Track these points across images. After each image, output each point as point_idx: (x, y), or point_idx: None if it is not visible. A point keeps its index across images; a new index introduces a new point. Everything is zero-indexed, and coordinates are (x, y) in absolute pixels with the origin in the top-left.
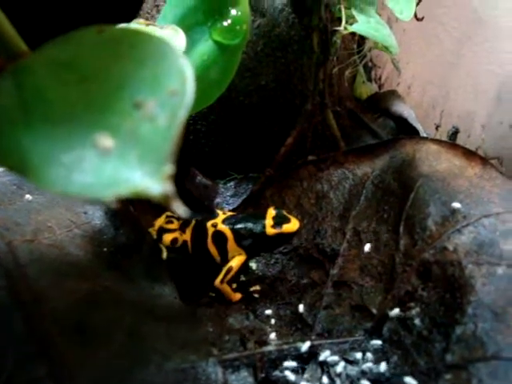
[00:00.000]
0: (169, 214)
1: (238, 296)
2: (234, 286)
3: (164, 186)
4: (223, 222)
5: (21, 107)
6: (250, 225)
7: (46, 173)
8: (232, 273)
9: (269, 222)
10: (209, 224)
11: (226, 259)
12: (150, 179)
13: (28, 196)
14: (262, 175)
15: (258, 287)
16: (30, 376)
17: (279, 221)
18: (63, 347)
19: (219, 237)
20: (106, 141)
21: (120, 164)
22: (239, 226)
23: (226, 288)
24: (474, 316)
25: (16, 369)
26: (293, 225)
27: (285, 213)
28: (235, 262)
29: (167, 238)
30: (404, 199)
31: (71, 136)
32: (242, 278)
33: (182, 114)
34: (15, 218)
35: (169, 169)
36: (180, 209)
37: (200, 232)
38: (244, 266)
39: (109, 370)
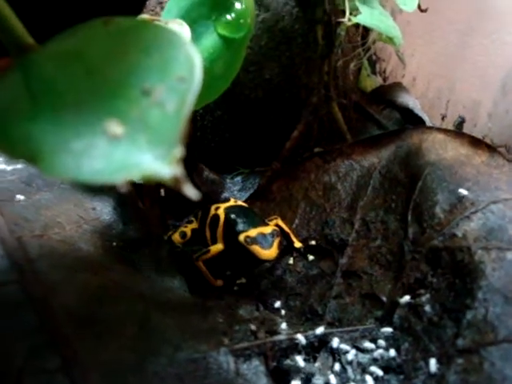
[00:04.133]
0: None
1: (218, 282)
2: (244, 280)
3: (174, 169)
4: (226, 208)
5: (29, 98)
6: (238, 221)
7: (57, 160)
8: (207, 255)
9: (252, 232)
10: (213, 207)
11: (215, 243)
12: (160, 162)
13: (36, 193)
14: (268, 169)
15: (243, 280)
16: (42, 368)
17: (259, 240)
18: (75, 340)
19: (215, 220)
20: (116, 127)
21: (130, 148)
22: (232, 216)
23: (202, 267)
24: (484, 301)
25: (28, 361)
26: (263, 252)
27: (277, 239)
28: (214, 247)
29: (175, 236)
30: (411, 188)
31: (80, 124)
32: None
33: (191, 100)
34: (25, 214)
35: (178, 152)
36: (190, 191)
37: (204, 214)
38: (227, 259)
39: (121, 362)
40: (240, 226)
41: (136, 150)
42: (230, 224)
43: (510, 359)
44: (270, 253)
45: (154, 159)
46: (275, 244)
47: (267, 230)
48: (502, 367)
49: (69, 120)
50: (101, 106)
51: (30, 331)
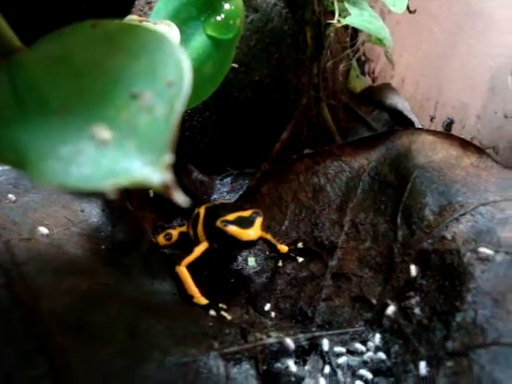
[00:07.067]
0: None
1: (202, 300)
2: (233, 280)
3: (164, 176)
4: (207, 206)
5: (16, 103)
6: (216, 212)
7: (44, 166)
8: (191, 257)
9: (229, 217)
10: (196, 208)
11: (198, 243)
12: (149, 169)
13: (24, 194)
14: (258, 170)
15: (224, 306)
16: (29, 374)
17: (238, 221)
18: (63, 345)
19: (196, 219)
20: (104, 132)
21: (118, 154)
22: (211, 210)
23: (185, 276)
24: (473, 303)
25: (16, 367)
26: (243, 233)
27: (258, 220)
28: (197, 248)
29: (160, 238)
30: (401, 190)
31: (68, 129)
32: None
33: (180, 105)
34: (12, 217)
35: (168, 158)
36: (180, 198)
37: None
38: (209, 259)
39: (110, 367)
40: (216, 216)
41: (124, 156)
42: (209, 216)
43: (499, 362)
44: (250, 232)
45: (143, 165)
46: (256, 224)
47: (247, 213)
48: (491, 370)
49: (56, 125)
50: (88, 110)
51: (18, 336)
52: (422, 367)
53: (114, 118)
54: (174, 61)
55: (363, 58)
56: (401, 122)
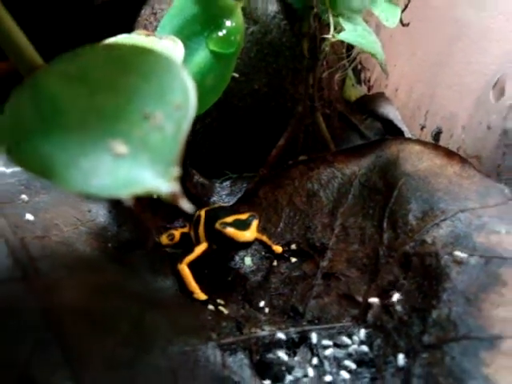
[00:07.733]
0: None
1: (201, 296)
2: (230, 279)
3: (172, 186)
4: (207, 209)
5: (38, 117)
6: (215, 215)
7: (67, 176)
8: (192, 256)
9: (228, 219)
10: (198, 210)
11: (199, 243)
12: (160, 180)
13: (35, 195)
14: (256, 175)
15: (222, 302)
16: (47, 361)
17: (236, 223)
18: (75, 334)
19: (197, 221)
20: (120, 146)
21: (133, 166)
22: (211, 213)
23: (186, 273)
24: (448, 301)
25: (34, 354)
26: (240, 234)
27: (254, 223)
28: (197, 247)
29: (163, 238)
30: (388, 196)
31: (87, 143)
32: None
33: (187, 126)
34: (25, 217)
35: (176, 171)
36: (186, 205)
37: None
38: (208, 259)
39: (117, 355)
40: (215, 218)
41: (139, 167)
42: (209, 218)
43: (469, 354)
44: (246, 234)
45: (154, 177)
46: (253, 226)
47: (244, 216)
48: (461, 361)
49: (76, 138)
50: (105, 126)
51: (35, 326)
52: (401, 359)
53: (128, 134)
54: (181, 85)
55: (359, 67)
56: (392, 131)
